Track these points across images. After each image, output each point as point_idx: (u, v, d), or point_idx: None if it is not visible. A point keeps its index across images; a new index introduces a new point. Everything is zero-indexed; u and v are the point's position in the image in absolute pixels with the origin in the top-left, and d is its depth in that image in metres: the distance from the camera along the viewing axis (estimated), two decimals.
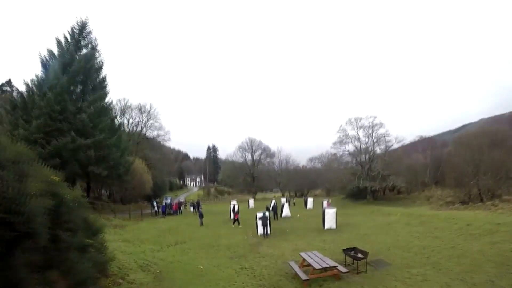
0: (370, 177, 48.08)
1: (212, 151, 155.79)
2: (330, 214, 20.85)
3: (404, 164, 50.03)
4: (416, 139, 61.32)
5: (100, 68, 31.26)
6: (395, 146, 51.45)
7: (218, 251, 15.68)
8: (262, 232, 19.37)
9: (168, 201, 55.53)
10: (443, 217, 20.50)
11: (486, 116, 61.95)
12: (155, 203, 36.98)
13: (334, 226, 20.84)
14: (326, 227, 20.76)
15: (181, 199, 64.97)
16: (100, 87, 31.11)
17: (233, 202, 36.48)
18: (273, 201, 40.89)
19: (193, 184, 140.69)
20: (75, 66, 28.01)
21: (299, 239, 17.67)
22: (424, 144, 61.06)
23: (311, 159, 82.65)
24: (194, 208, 39.01)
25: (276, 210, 29.65)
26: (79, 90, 30.06)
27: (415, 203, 39.41)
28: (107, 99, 31.55)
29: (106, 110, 31.36)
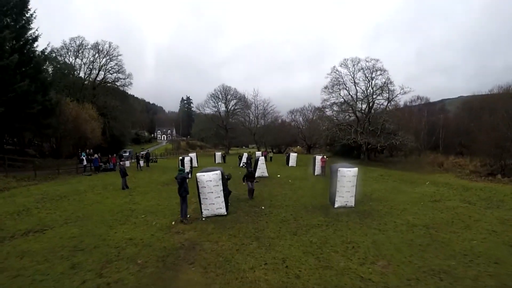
0: (368, 132, 39.11)
1: (186, 103, 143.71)
2: (347, 179, 11.37)
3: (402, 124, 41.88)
4: (412, 98, 52.94)
5: None
6: (400, 97, 42.14)
7: (90, 256, 6.33)
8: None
9: (127, 154, 46.54)
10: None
11: (464, 94, 56.02)
12: (83, 156, 26.75)
13: (351, 203, 11.60)
14: (338, 204, 11.47)
15: (143, 152, 56.13)
16: None
17: (191, 155, 27.02)
18: (246, 155, 31.62)
19: (164, 137, 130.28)
20: None
21: (292, 239, 8.09)
22: (420, 106, 54.30)
23: (291, 112, 72.83)
24: (141, 162, 29.28)
25: (250, 166, 20.28)
26: None
27: (423, 169, 31.39)
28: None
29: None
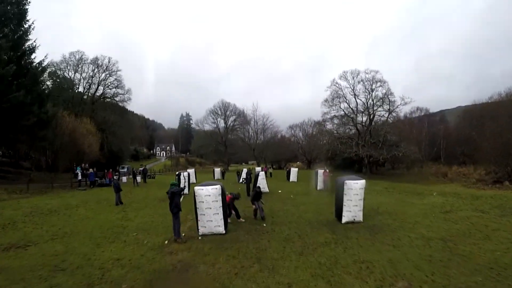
0: (370, 145, 38.46)
1: (185, 120, 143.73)
2: (354, 191, 10.63)
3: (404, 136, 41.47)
4: (412, 110, 52.72)
5: None
6: (401, 108, 41.72)
7: None
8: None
9: (124, 170, 46.07)
10: None
11: (462, 104, 56.19)
12: (78, 171, 26.04)
13: (360, 217, 10.82)
14: (345, 219, 10.68)
15: (141, 168, 55.70)
16: None
17: (189, 171, 26.19)
18: (245, 170, 30.75)
19: (163, 154, 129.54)
20: None
21: (298, 260, 7.26)
22: (420, 117, 54.28)
23: (291, 127, 72.45)
24: (138, 178, 28.55)
25: (249, 182, 19.45)
26: None
27: (428, 180, 30.66)
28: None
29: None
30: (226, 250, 7.73)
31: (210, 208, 8.93)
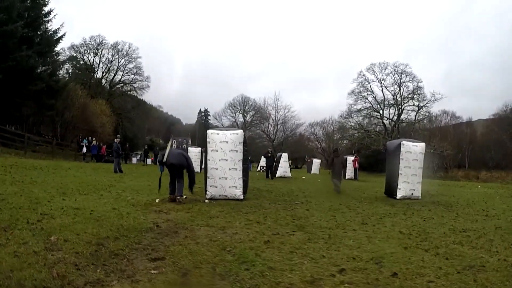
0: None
1: (203, 115, 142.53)
2: (413, 156, 8.15)
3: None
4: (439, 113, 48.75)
5: None
6: (431, 105, 38.21)
7: None
8: None
9: (138, 157, 45.22)
10: None
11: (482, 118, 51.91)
12: (84, 143, 24.23)
13: (418, 192, 8.24)
14: (401, 193, 7.98)
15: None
16: None
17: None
18: (263, 158, 27.46)
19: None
20: None
21: (364, 229, 4.53)
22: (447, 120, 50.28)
23: (311, 125, 68.91)
24: (149, 160, 26.99)
25: (272, 163, 16.67)
26: None
27: (459, 180, 27.63)
28: None
29: None
30: (246, 214, 5.09)
31: (226, 160, 6.25)
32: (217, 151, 6.30)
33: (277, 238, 3.66)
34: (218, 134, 6.40)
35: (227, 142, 6.31)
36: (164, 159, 5.84)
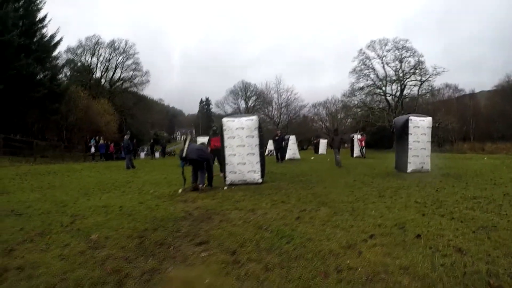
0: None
1: (205, 104, 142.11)
2: (421, 131, 8.59)
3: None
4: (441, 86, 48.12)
5: None
6: (433, 79, 37.86)
7: None
8: None
9: (144, 152, 45.58)
10: None
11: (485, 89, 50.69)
12: (92, 143, 24.49)
13: (428, 165, 8.67)
14: (411, 167, 8.38)
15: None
16: None
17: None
18: (270, 141, 27.68)
19: (183, 138, 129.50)
20: None
21: (383, 201, 4.89)
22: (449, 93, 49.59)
23: (314, 105, 68.66)
24: (157, 154, 27.22)
25: (281, 146, 16.77)
26: None
27: (465, 153, 27.60)
28: None
29: None
30: (269, 196, 5.41)
31: (244, 146, 6.55)
32: (234, 137, 6.58)
33: (306, 214, 4.00)
34: (233, 121, 6.67)
35: (243, 128, 6.59)
36: (184, 154, 6.12)
